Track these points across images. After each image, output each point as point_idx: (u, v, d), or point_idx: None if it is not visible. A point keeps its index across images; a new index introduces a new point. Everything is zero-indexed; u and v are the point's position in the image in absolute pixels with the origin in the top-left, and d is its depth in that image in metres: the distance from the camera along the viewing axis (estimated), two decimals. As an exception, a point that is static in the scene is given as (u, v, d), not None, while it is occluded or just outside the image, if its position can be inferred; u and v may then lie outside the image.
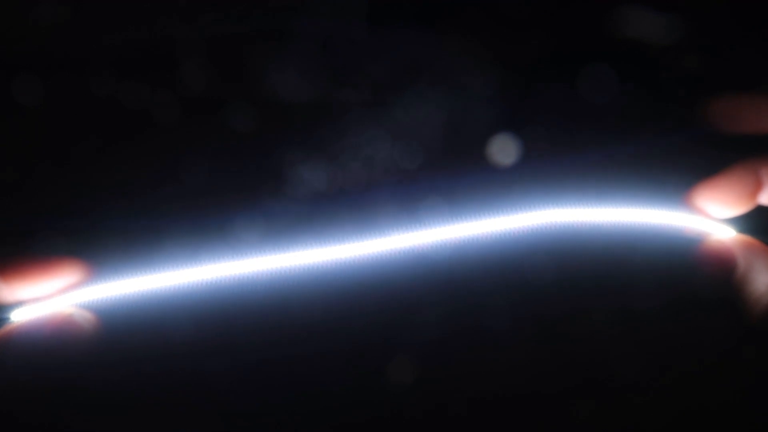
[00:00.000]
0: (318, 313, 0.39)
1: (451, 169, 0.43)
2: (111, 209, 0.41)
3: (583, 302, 0.41)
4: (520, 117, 0.45)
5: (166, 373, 0.39)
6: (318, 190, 0.43)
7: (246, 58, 0.44)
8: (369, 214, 0.40)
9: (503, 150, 0.43)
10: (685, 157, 0.41)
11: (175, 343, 0.38)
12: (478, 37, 0.46)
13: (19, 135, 0.44)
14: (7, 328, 0.37)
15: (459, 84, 0.45)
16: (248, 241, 0.39)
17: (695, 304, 0.40)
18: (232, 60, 0.45)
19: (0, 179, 0.43)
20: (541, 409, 0.41)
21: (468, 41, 0.46)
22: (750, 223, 0.39)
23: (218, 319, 0.38)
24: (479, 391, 0.41)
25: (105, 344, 0.37)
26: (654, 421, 0.41)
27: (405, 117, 0.44)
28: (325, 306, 0.39)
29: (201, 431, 0.39)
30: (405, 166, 0.44)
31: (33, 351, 0.36)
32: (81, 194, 0.42)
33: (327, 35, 0.45)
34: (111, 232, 0.40)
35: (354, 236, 0.38)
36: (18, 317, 0.37)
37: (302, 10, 0.44)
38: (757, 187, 0.38)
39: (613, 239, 0.39)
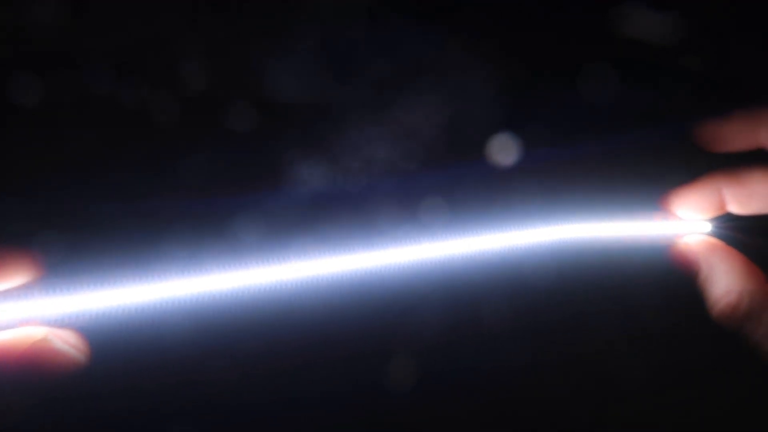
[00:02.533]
0: (318, 317, 0.39)
1: (451, 169, 0.43)
2: (105, 208, 0.38)
3: (583, 304, 0.41)
4: (520, 116, 0.45)
5: (163, 392, 0.34)
6: (318, 190, 0.43)
7: (246, 58, 0.44)
8: (369, 214, 0.40)
9: (503, 149, 0.43)
10: (667, 162, 0.42)
11: (173, 364, 0.33)
12: (479, 37, 0.46)
13: (18, 134, 0.44)
14: None
15: (459, 83, 0.45)
16: (247, 242, 0.39)
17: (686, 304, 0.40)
18: (232, 60, 0.44)
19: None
20: (541, 411, 0.41)
21: (468, 41, 0.45)
22: (727, 224, 0.40)
23: (217, 327, 0.34)
24: (479, 394, 0.41)
25: (95, 375, 0.29)
26: (653, 421, 0.41)
27: (405, 116, 0.44)
28: (325, 309, 0.39)
29: None
30: (405, 166, 0.44)
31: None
32: (78, 193, 0.41)
33: (327, 35, 0.44)
34: (100, 230, 0.35)
35: (354, 237, 0.38)
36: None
37: (302, 10, 0.44)
38: (722, 199, 0.39)
39: (609, 243, 0.40)
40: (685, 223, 0.41)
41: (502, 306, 0.41)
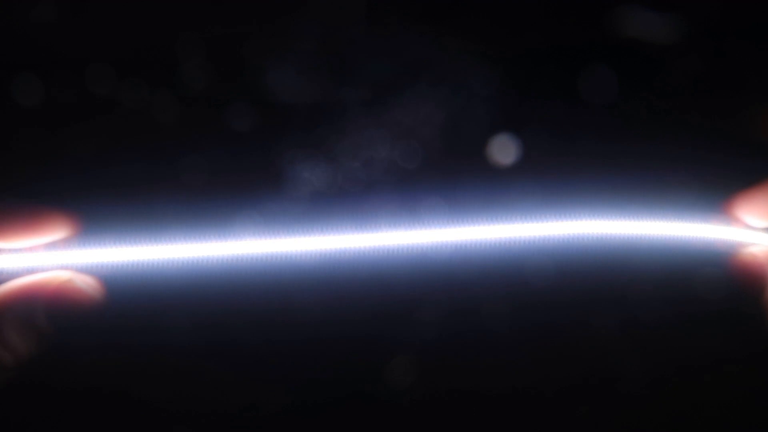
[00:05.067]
0: (317, 312, 0.39)
1: (451, 169, 0.43)
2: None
3: (584, 304, 0.41)
4: (520, 117, 0.45)
5: (167, 343, 0.39)
6: (318, 190, 0.43)
7: (246, 58, 0.44)
8: (369, 215, 0.40)
9: (503, 150, 0.43)
10: (734, 160, 0.40)
11: (176, 316, 0.38)
12: (478, 37, 0.46)
13: (18, 134, 0.44)
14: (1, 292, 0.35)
15: (459, 84, 0.45)
16: (246, 241, 0.39)
17: (701, 312, 0.39)
18: (232, 60, 0.44)
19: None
20: (540, 410, 0.41)
21: (468, 41, 0.46)
22: None
23: (219, 308, 0.39)
24: (477, 391, 0.41)
25: (108, 312, 0.36)
26: (652, 425, 0.41)
27: (405, 117, 0.44)
28: (323, 305, 0.39)
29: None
30: (405, 166, 0.44)
31: (29, 318, 0.35)
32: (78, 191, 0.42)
33: (327, 35, 0.45)
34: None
35: (353, 236, 0.38)
36: (8, 276, 0.35)
37: (302, 10, 0.44)
38: None
39: (616, 244, 0.39)
40: (749, 231, 0.37)
41: (502, 304, 0.41)
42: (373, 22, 0.45)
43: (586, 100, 0.45)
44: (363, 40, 0.45)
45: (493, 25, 0.46)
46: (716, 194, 0.38)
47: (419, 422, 0.41)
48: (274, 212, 0.41)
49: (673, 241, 0.37)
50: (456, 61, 0.45)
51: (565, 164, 0.43)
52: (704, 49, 0.45)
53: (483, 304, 0.41)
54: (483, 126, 0.44)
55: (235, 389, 0.40)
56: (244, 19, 0.45)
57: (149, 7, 0.44)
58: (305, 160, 0.43)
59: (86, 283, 0.36)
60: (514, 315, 0.41)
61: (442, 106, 0.45)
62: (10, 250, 0.35)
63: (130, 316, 0.38)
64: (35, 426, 0.38)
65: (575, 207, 0.39)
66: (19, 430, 0.38)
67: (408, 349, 0.41)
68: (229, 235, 0.37)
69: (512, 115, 0.45)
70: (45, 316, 0.35)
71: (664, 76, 0.46)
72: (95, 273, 0.36)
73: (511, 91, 0.45)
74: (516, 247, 0.38)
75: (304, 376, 0.40)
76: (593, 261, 0.39)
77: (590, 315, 0.41)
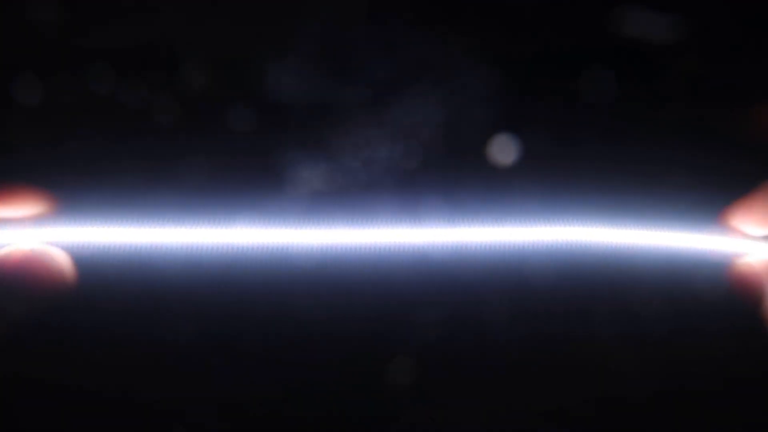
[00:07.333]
0: (316, 312, 0.39)
1: (451, 169, 0.43)
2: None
3: (584, 308, 0.41)
4: (520, 117, 0.45)
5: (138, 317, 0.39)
6: (318, 190, 0.43)
7: (246, 58, 0.44)
8: (369, 215, 0.40)
9: (503, 150, 0.43)
10: (731, 167, 0.39)
11: (174, 313, 0.38)
12: (478, 37, 0.46)
13: (18, 134, 0.44)
14: None
15: (459, 84, 0.45)
16: (246, 239, 0.39)
17: (700, 319, 0.39)
18: (232, 60, 0.45)
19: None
20: (539, 409, 0.41)
21: (468, 41, 0.46)
22: None
23: (218, 306, 0.38)
24: (476, 390, 0.41)
25: (75, 284, 0.34)
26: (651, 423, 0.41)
27: (405, 117, 0.44)
28: (323, 305, 0.39)
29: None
30: (405, 166, 0.43)
31: None
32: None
33: (327, 35, 0.45)
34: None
35: (353, 236, 0.38)
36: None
37: (302, 10, 0.44)
38: None
39: (615, 248, 0.38)
40: (747, 241, 0.36)
41: (502, 305, 0.41)
42: (373, 22, 0.45)
43: (586, 101, 0.45)
44: (363, 40, 0.45)
45: (493, 25, 0.46)
46: (714, 197, 0.37)
47: (416, 422, 0.41)
48: (274, 212, 0.41)
49: (671, 248, 0.37)
50: (456, 61, 0.45)
51: (565, 165, 0.43)
52: (704, 50, 0.45)
53: (483, 306, 0.41)
54: (483, 126, 0.44)
55: (232, 387, 0.40)
56: (244, 19, 0.45)
57: (149, 6, 0.44)
58: (305, 159, 0.43)
59: (54, 257, 0.33)
60: (514, 316, 0.41)
61: (442, 106, 0.45)
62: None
63: (124, 306, 0.37)
64: (23, 421, 0.38)
65: (574, 207, 0.39)
66: (7, 425, 0.37)
67: (408, 350, 0.41)
68: (228, 234, 0.37)
69: (512, 115, 0.45)
70: (3, 293, 0.32)
71: (664, 77, 0.46)
72: (69, 250, 0.34)
73: (511, 91, 0.45)
74: (516, 248, 0.38)
75: (303, 375, 0.40)
76: (593, 265, 0.39)
77: (590, 319, 0.41)
